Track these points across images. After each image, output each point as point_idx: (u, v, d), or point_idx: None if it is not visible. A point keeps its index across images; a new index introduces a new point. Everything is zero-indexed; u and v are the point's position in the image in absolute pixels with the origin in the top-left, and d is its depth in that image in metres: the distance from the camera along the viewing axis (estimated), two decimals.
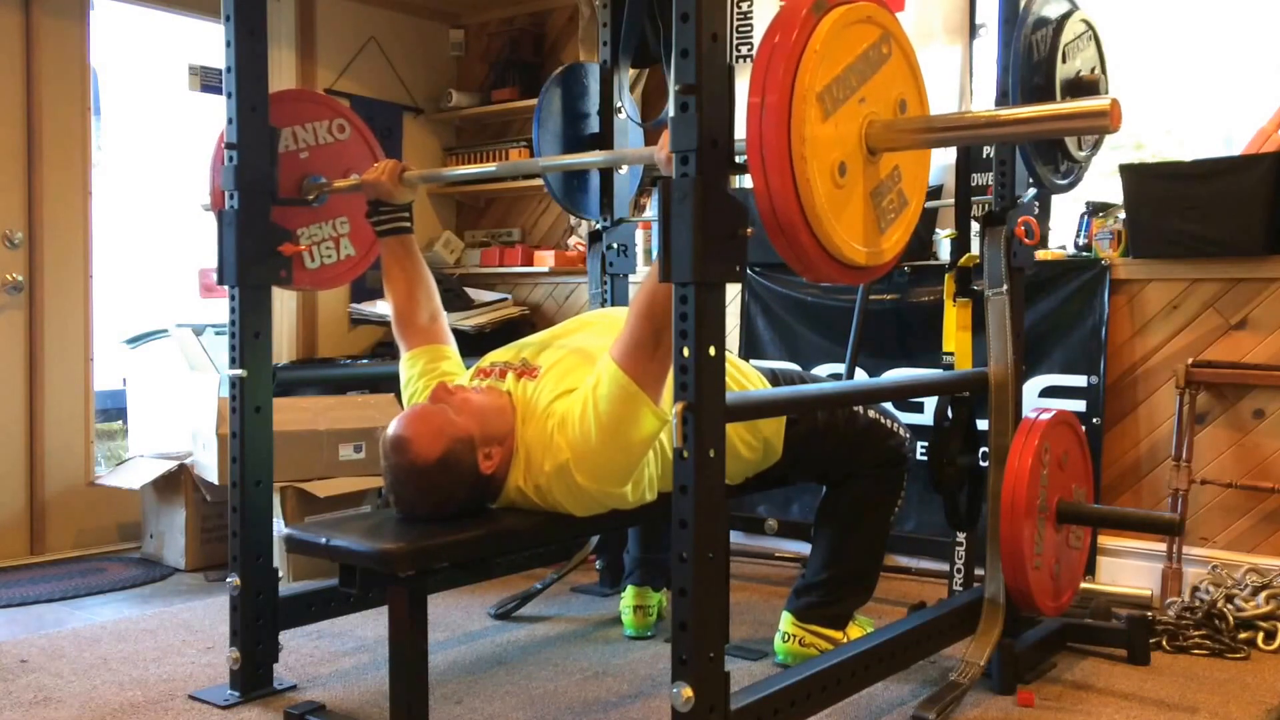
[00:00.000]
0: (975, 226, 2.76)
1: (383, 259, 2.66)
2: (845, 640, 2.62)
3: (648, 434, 2.09)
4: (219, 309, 3.46)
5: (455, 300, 4.45)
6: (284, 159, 2.64)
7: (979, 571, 2.72)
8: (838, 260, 1.78)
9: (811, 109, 1.65)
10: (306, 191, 2.69)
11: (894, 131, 1.81)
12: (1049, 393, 3.40)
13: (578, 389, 2.17)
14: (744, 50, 3.02)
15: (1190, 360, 3.19)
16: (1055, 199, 2.99)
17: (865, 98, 1.77)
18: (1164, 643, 2.79)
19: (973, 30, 2.71)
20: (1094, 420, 3.31)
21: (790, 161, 1.64)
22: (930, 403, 3.48)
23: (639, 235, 4.04)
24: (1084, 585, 3.05)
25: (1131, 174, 3.25)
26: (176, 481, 3.76)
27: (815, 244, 1.72)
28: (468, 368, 2.65)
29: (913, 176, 1.99)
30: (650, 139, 3.75)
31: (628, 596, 2.99)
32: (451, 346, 2.64)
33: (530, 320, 4.58)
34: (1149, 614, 2.83)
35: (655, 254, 1.76)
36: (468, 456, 2.17)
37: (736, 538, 3.74)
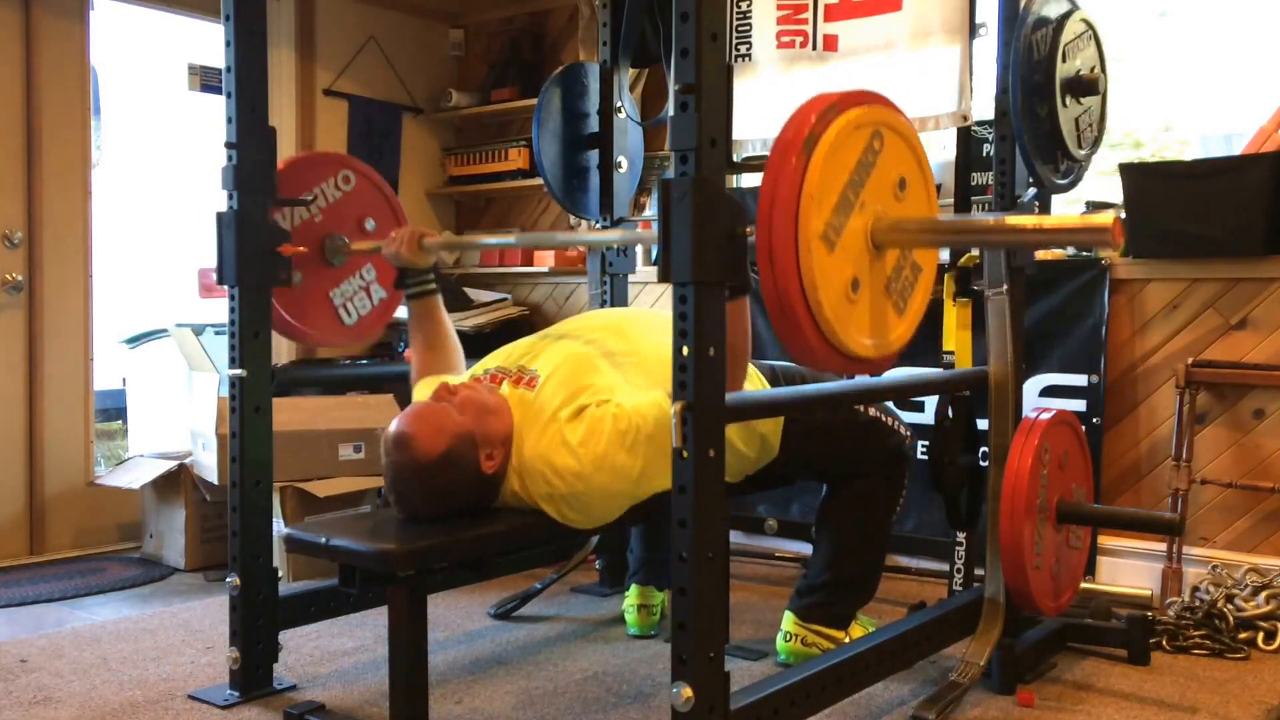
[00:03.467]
0: None
1: (409, 321, 2.69)
2: (848, 640, 2.62)
3: None
4: (219, 309, 3.47)
5: (455, 300, 4.45)
6: (303, 227, 2.69)
7: (979, 571, 2.72)
8: (861, 359, 1.81)
9: (817, 250, 1.67)
10: (329, 253, 2.76)
11: (898, 233, 1.81)
12: (1049, 392, 3.39)
13: (607, 404, 2.18)
14: (743, 49, 3.01)
15: (1190, 360, 3.19)
16: (1055, 198, 2.99)
17: (866, 202, 1.77)
18: (1164, 643, 2.79)
19: (972, 30, 2.71)
20: (1094, 420, 3.31)
21: (805, 302, 1.67)
22: (930, 402, 3.48)
23: (638, 232, 4.04)
24: (1084, 585, 3.05)
25: (1131, 173, 3.25)
26: (176, 481, 3.76)
27: (837, 355, 1.76)
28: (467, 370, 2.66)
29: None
30: (650, 138, 3.76)
31: (631, 595, 2.99)
32: None
33: (530, 320, 4.58)
34: (1149, 614, 2.83)
35: (655, 254, 1.77)
36: (470, 455, 2.17)
37: (736, 538, 3.74)
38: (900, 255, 1.85)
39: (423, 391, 2.54)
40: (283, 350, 4.48)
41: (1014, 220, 1.84)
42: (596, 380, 2.25)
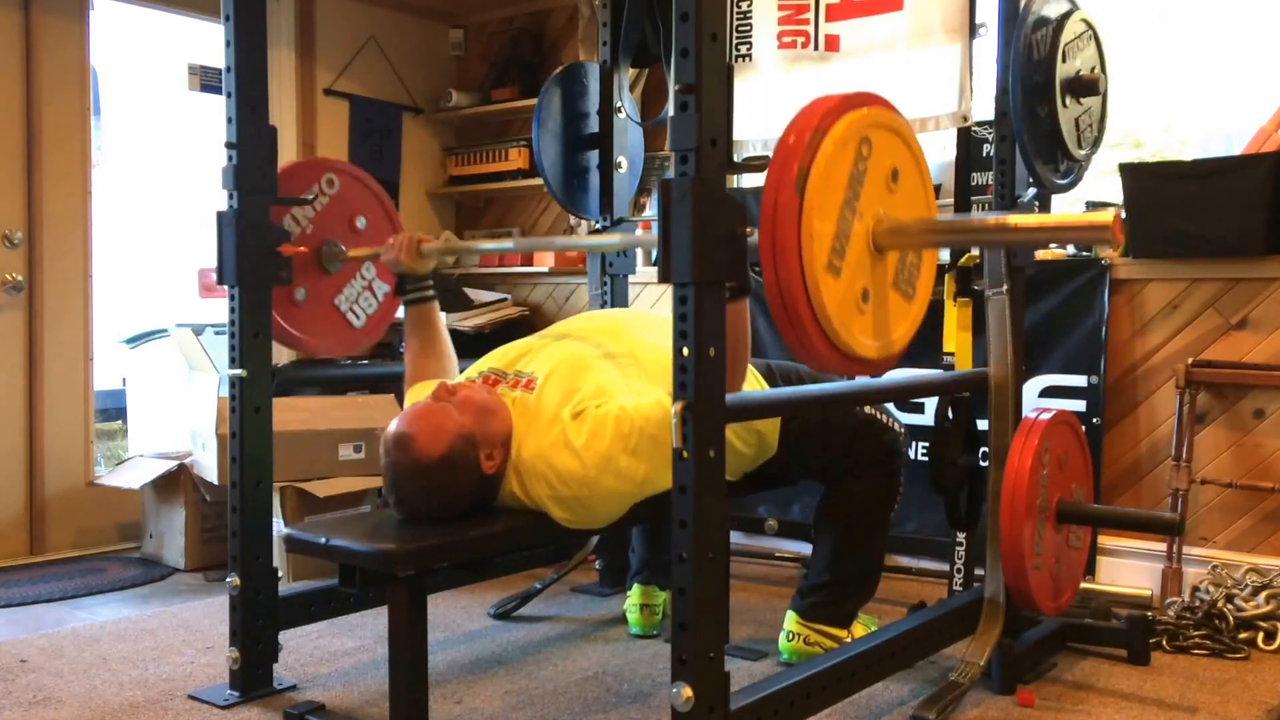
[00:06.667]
0: None
1: (405, 326, 2.69)
2: (850, 639, 2.62)
3: None
4: (219, 309, 3.47)
5: (455, 300, 4.45)
6: (297, 239, 2.68)
7: (979, 571, 2.72)
8: (864, 360, 1.83)
9: (825, 281, 1.67)
10: (326, 260, 2.75)
11: (898, 235, 1.80)
12: (1049, 393, 3.39)
13: (608, 405, 2.17)
14: (743, 50, 3.02)
15: (1190, 360, 3.19)
16: (1055, 198, 2.99)
17: (863, 210, 1.75)
18: (1164, 643, 2.79)
19: (973, 29, 2.71)
20: (1094, 420, 3.31)
21: (819, 326, 1.69)
22: (930, 403, 3.48)
23: (638, 235, 4.04)
24: (1084, 585, 3.05)
25: (1131, 173, 3.25)
26: (176, 481, 3.76)
27: (845, 360, 1.78)
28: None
29: None
30: (650, 138, 3.76)
31: (633, 595, 2.99)
32: None
33: (530, 320, 4.58)
34: (1149, 614, 2.83)
35: (655, 254, 1.77)
36: (470, 454, 2.17)
37: (736, 538, 3.74)
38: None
39: (417, 395, 2.53)
40: (283, 350, 4.47)
41: (1014, 219, 1.83)
42: (593, 380, 2.25)
